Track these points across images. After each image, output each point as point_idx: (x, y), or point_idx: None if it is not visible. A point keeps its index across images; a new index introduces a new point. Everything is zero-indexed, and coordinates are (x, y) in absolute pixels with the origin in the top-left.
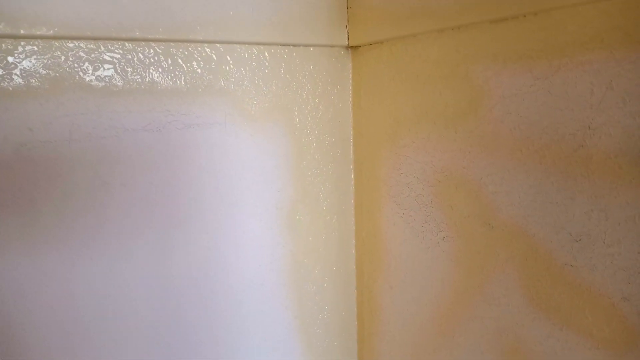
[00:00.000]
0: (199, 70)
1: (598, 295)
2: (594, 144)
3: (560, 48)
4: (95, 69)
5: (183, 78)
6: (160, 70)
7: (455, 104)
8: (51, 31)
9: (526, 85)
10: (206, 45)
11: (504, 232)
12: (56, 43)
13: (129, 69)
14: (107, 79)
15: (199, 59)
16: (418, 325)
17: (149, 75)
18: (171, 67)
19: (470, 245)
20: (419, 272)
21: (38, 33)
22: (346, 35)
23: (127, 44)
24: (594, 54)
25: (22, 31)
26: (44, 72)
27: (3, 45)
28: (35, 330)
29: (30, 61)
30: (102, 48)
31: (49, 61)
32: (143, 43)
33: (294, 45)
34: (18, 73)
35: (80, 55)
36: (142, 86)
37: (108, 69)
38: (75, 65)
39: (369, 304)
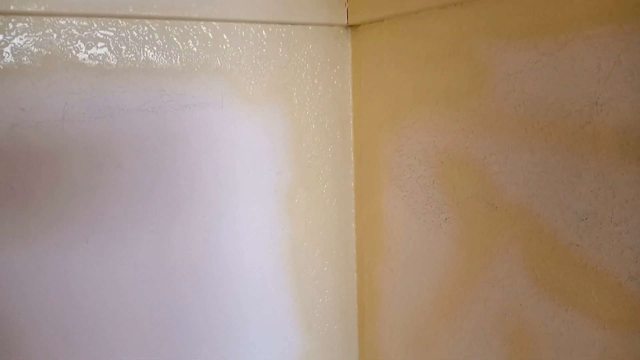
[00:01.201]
0: (194, 49)
1: (604, 275)
2: (601, 120)
3: (566, 22)
4: (88, 47)
5: (178, 57)
6: (155, 48)
7: (458, 83)
8: (42, 7)
9: (531, 62)
10: (202, 23)
11: (508, 212)
12: (47, 20)
13: (123, 47)
14: (100, 57)
15: (195, 37)
16: (419, 308)
17: (143, 54)
18: (166, 46)
19: (473, 227)
20: (421, 255)
21: (29, 9)
22: (345, 14)
23: (120, 22)
24: (601, 27)
25: (12, 7)
26: (35, 50)
27: None
28: (29, 315)
29: (21, 38)
30: (95, 25)
31: (41, 39)
32: (137, 20)
33: (292, 24)
34: (9, 51)
35: (72, 32)
36: (137, 65)
37: (101, 47)
38: (68, 43)
39: (369, 287)
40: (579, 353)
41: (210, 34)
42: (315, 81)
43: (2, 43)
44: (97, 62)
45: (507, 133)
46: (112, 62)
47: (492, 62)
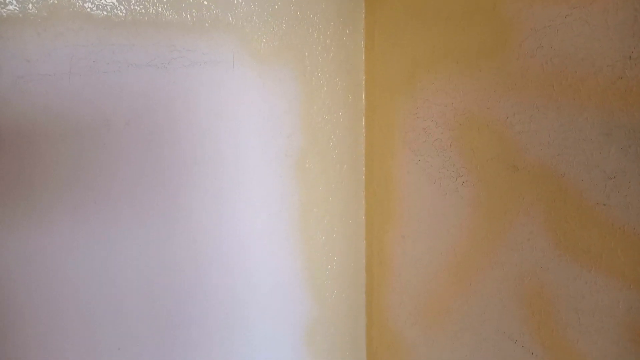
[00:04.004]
0: (205, 3)
1: (632, 234)
2: (634, 74)
3: None
4: None
5: (189, 11)
6: (164, 0)
7: (481, 41)
8: None
9: (561, 16)
10: None
11: (530, 173)
12: None
13: None
14: (108, 7)
15: None
16: (432, 275)
17: (152, 6)
18: None
19: (492, 190)
20: (435, 220)
21: None
22: None
23: None
24: None
25: None
26: None
27: None
28: (35, 277)
29: None
30: None
31: None
32: None
33: None
34: None
35: None
36: (146, 17)
37: None
38: None
39: (378, 255)
40: (602, 314)
41: None
42: (328, 41)
43: None
44: (104, 12)
45: (533, 91)
46: (121, 14)
47: (519, 17)
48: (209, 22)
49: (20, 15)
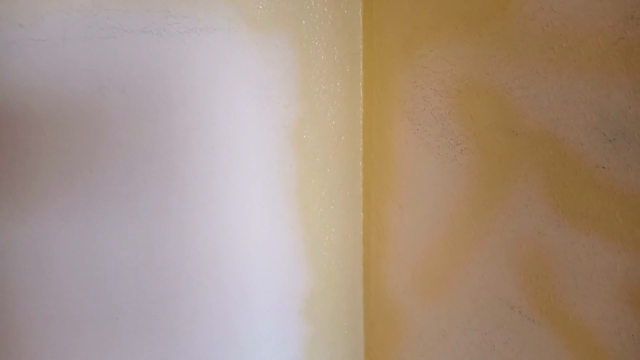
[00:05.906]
0: None
1: (631, 196)
2: (636, 35)
3: None
4: None
5: None
6: None
7: (480, 5)
8: None
9: None
10: None
11: (529, 138)
12: None
13: None
14: None
15: None
16: (430, 244)
17: None
18: None
19: (490, 156)
20: (433, 189)
21: None
22: None
23: None
24: None
25: None
26: None
27: None
28: (34, 246)
29: None
30: None
31: None
32: None
33: None
34: None
35: None
36: None
37: None
38: None
39: (376, 226)
40: (599, 277)
41: None
42: (325, 9)
43: None
44: None
45: (533, 55)
46: None
47: None
48: None
49: None
